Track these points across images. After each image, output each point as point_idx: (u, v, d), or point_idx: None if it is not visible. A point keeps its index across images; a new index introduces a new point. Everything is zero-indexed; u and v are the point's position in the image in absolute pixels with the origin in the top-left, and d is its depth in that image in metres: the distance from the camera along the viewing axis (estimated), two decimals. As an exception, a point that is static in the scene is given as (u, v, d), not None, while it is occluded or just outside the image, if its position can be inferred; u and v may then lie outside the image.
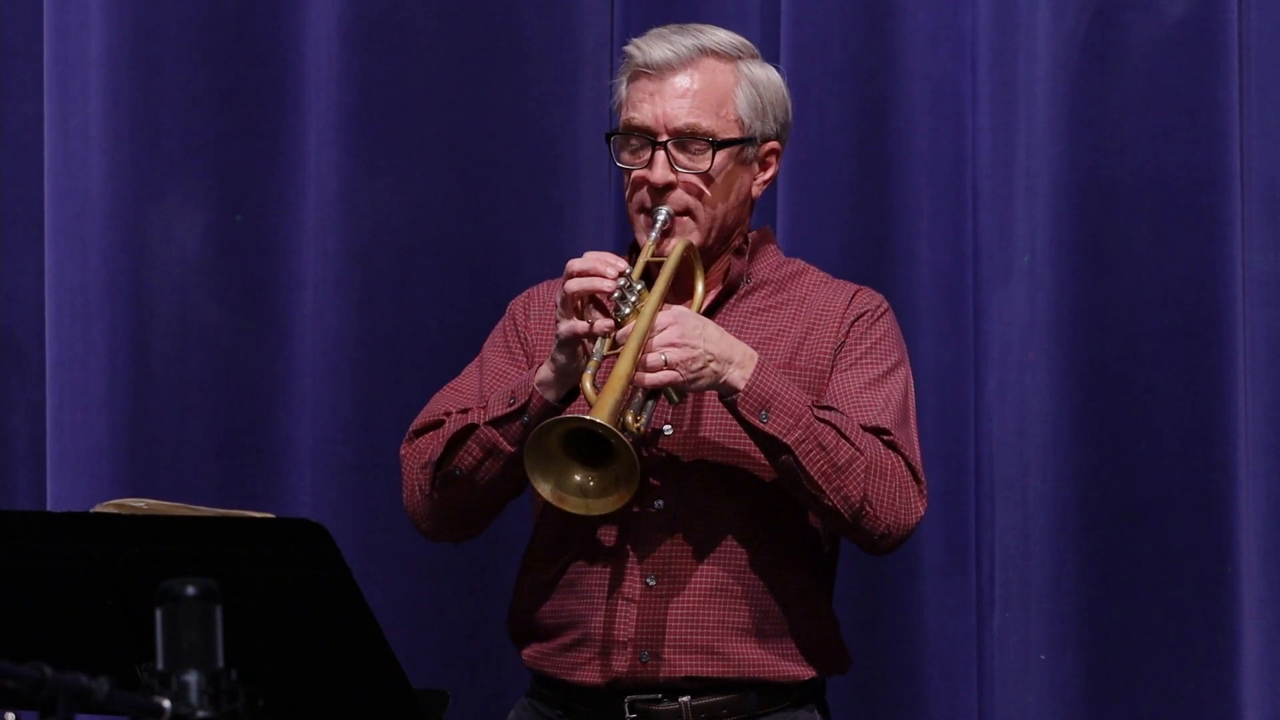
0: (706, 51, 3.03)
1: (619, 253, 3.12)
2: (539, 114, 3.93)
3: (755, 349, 2.99)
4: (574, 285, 2.90)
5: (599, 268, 2.91)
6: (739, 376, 2.89)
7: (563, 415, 2.83)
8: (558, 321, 2.92)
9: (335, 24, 3.92)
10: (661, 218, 3.01)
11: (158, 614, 1.93)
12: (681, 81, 3.01)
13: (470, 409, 3.02)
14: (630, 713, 2.99)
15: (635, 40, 3.07)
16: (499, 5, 3.94)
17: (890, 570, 3.76)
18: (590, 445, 2.78)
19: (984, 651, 3.81)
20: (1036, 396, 3.77)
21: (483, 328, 3.71)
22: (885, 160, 3.83)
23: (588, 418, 2.74)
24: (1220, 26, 3.72)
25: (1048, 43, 3.76)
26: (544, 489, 2.81)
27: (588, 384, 2.85)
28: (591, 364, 2.87)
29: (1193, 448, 3.72)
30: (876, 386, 3.01)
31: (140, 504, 2.73)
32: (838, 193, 3.83)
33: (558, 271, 3.51)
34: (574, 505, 2.82)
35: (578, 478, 2.81)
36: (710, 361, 2.87)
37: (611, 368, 2.83)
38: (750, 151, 3.06)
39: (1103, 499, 3.76)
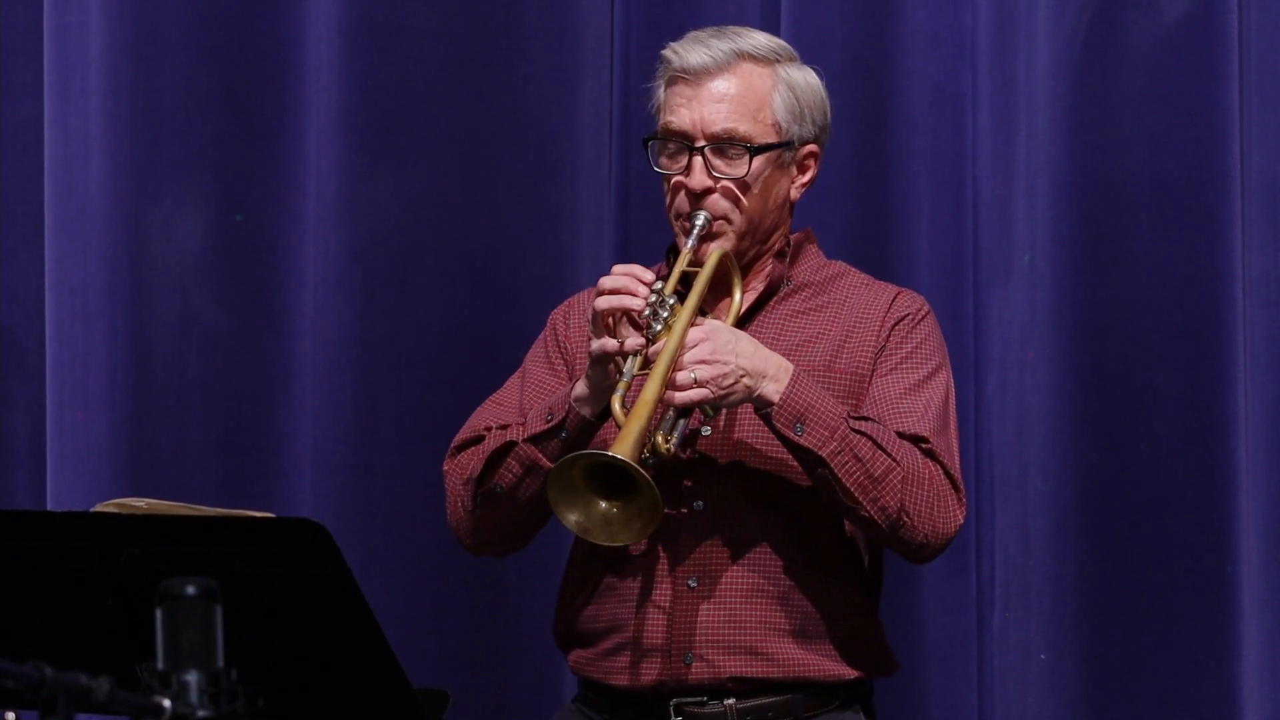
0: (744, 56, 3.01)
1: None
2: (539, 114, 3.93)
3: (795, 351, 2.99)
4: (603, 303, 2.89)
5: (629, 285, 2.89)
6: (773, 390, 2.88)
7: (584, 451, 2.82)
8: (589, 338, 2.91)
9: (335, 23, 3.92)
10: (700, 223, 2.99)
11: (158, 614, 1.93)
12: (719, 86, 3.00)
13: (510, 425, 3.01)
14: (676, 715, 2.98)
15: (672, 44, 3.05)
16: (499, 5, 3.94)
17: (890, 570, 3.75)
18: (614, 476, 2.77)
19: (984, 651, 3.81)
20: (1036, 396, 3.78)
21: (483, 327, 3.72)
22: (885, 160, 3.83)
23: (609, 453, 2.74)
24: (1220, 26, 3.72)
25: (1048, 43, 3.76)
26: (569, 520, 2.81)
27: (617, 406, 2.84)
28: (622, 385, 2.85)
29: (1193, 448, 3.72)
30: (916, 392, 3.00)
31: (140, 504, 2.73)
32: (838, 193, 3.83)
33: (556, 271, 3.52)
34: (599, 536, 2.82)
35: (602, 508, 2.80)
36: (743, 377, 2.86)
37: (642, 387, 2.82)
38: (788, 155, 3.04)
39: (1103, 499, 3.76)
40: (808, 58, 3.82)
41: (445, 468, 3.09)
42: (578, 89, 3.94)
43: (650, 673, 2.98)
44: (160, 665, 1.92)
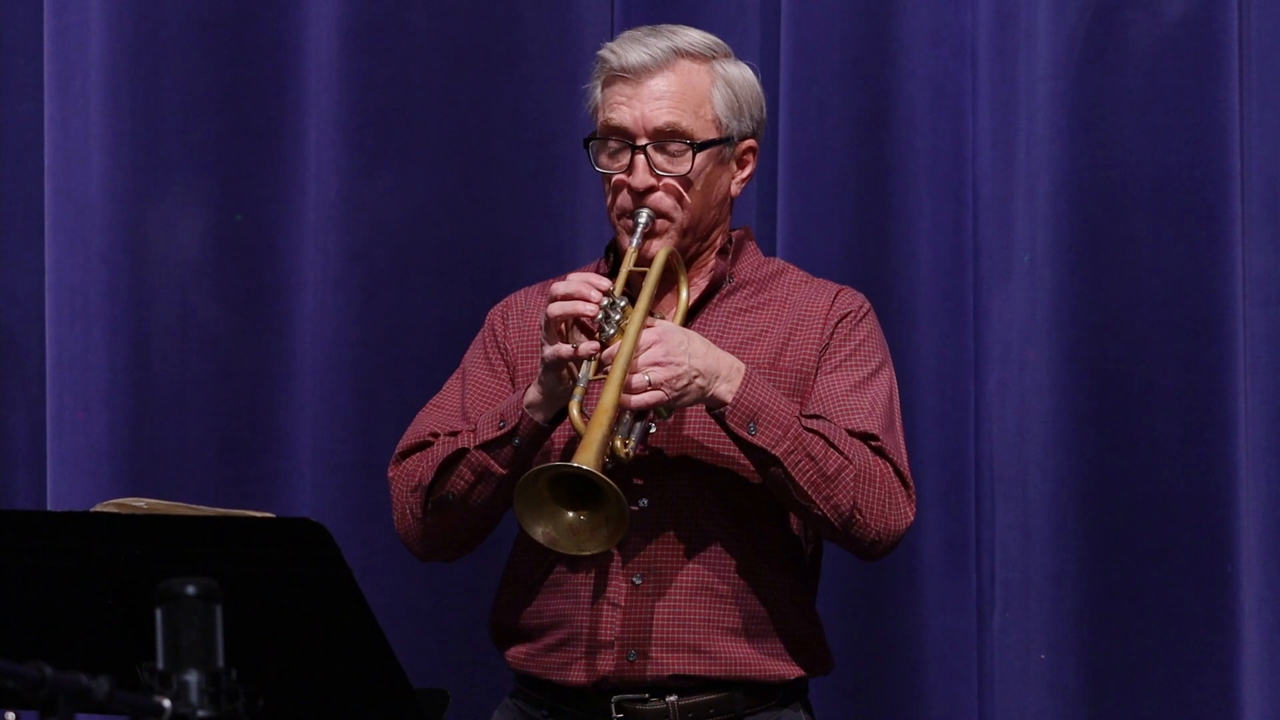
0: (681, 53, 3.02)
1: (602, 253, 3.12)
2: (539, 114, 3.94)
3: (740, 349, 2.99)
4: (556, 310, 2.89)
5: (583, 291, 2.89)
6: (726, 390, 2.89)
7: (550, 463, 2.83)
8: (542, 345, 2.91)
9: (335, 23, 3.92)
10: (643, 221, 3.00)
11: (158, 614, 1.93)
12: (659, 85, 3.01)
13: (459, 431, 3.02)
14: (617, 712, 2.99)
15: (609, 44, 3.07)
16: (498, 5, 3.94)
17: (890, 570, 3.76)
18: (579, 486, 2.77)
19: (984, 651, 3.81)
20: (1036, 396, 3.77)
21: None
22: (885, 160, 3.83)
23: (574, 464, 2.74)
24: (1220, 26, 3.72)
25: (1048, 43, 3.76)
26: (536, 533, 2.81)
27: (575, 412, 2.84)
28: (578, 390, 2.86)
29: (1193, 447, 3.72)
30: (862, 389, 3.01)
31: (140, 504, 2.73)
32: (838, 193, 3.83)
33: (557, 271, 3.51)
34: (566, 546, 2.82)
35: (569, 518, 2.81)
36: (696, 378, 2.87)
37: (599, 392, 2.83)
38: (728, 151, 3.05)
39: (1103, 499, 3.76)
40: (808, 58, 3.83)
41: (390, 474, 3.09)
42: (578, 89, 3.93)
43: (593, 669, 2.99)
44: (160, 665, 1.92)
